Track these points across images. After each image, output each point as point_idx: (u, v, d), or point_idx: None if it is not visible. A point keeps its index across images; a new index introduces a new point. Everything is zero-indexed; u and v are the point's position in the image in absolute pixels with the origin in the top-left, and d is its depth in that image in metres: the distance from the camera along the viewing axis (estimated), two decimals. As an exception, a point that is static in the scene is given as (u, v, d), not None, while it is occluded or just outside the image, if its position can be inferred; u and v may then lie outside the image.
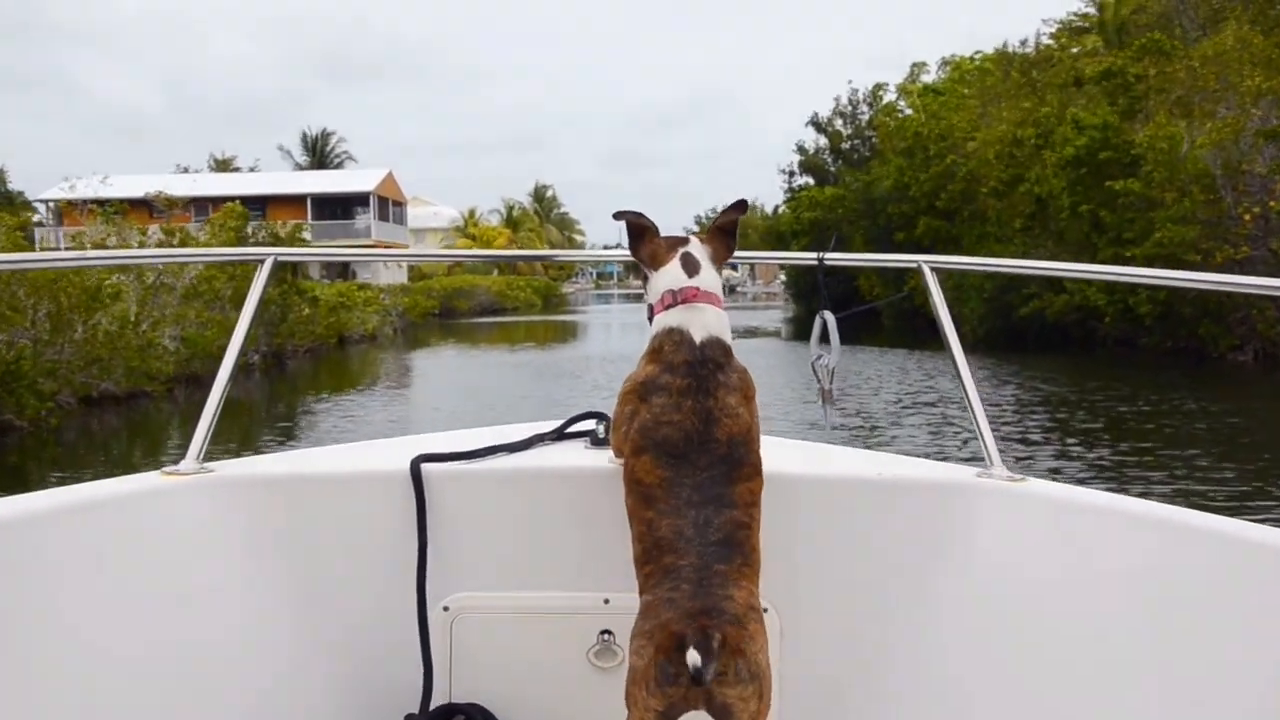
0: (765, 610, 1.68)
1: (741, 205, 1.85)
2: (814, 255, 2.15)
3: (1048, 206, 23.46)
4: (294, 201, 53.34)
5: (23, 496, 1.72)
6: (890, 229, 35.16)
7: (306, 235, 47.79)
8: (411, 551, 1.91)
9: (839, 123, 49.70)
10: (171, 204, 24.96)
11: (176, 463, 1.96)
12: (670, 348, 1.68)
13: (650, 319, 1.78)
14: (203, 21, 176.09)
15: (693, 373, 1.64)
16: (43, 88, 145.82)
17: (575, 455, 2.06)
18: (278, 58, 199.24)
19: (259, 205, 46.43)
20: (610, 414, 1.88)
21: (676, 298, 1.73)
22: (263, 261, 2.11)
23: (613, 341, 30.07)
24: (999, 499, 1.95)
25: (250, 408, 17.32)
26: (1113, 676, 1.70)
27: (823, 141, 50.02)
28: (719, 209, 1.92)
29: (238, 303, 20.73)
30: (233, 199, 46.04)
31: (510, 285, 55.84)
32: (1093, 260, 21.31)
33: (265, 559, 1.93)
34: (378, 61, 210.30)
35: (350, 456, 2.17)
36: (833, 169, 48.64)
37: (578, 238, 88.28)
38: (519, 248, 65.36)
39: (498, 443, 2.06)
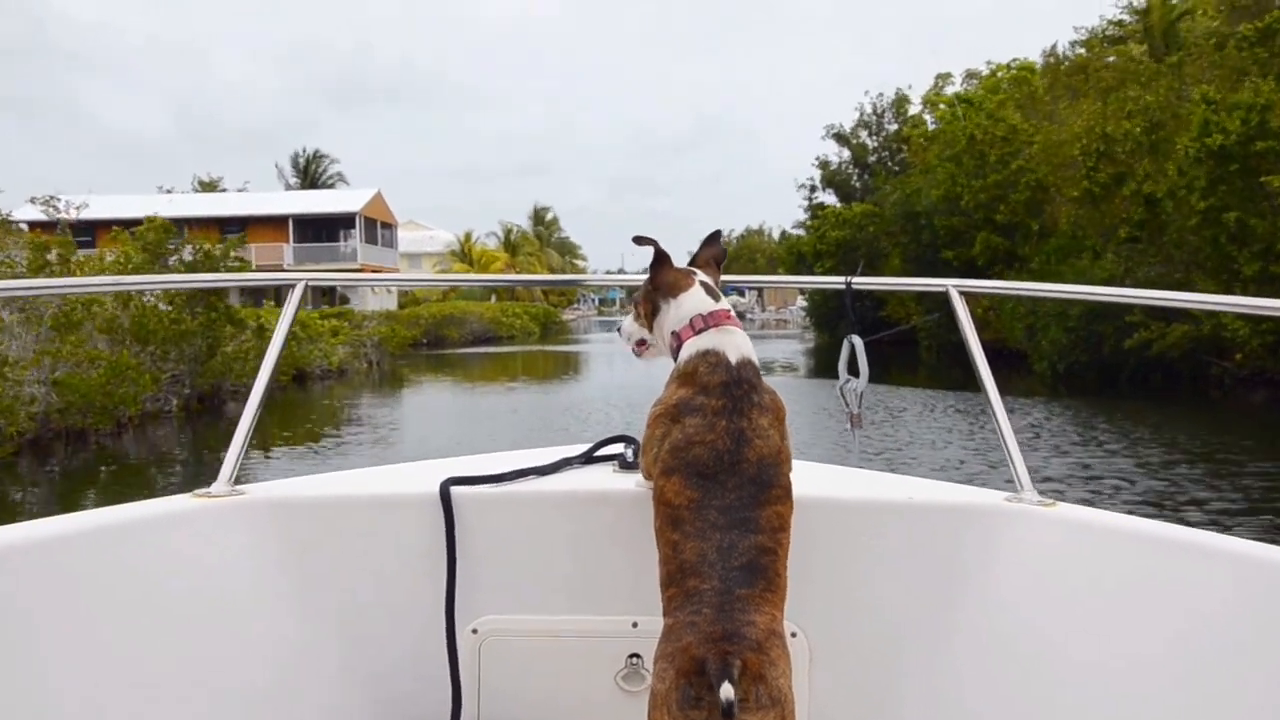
0: (794, 634, 1.87)
1: (717, 235, 1.96)
2: (841, 279, 2.22)
3: (1160, 213, 18.82)
4: (275, 223, 50.02)
5: (56, 518, 1.74)
6: (936, 246, 30.70)
7: (284, 255, 44.99)
8: (440, 574, 1.93)
9: (863, 134, 45.82)
10: (58, 219, 20.45)
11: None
12: (706, 370, 1.70)
13: (637, 346, 1.94)
14: (209, 49, 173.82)
15: (728, 393, 1.66)
16: (52, 112, 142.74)
17: (603, 479, 2.08)
18: (284, 84, 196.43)
19: (238, 227, 42.83)
20: (638, 437, 1.90)
21: (707, 322, 1.76)
22: (293, 286, 2.17)
23: (616, 375, 25.63)
24: (1029, 523, 1.95)
25: (139, 469, 13.03)
26: (1144, 702, 1.68)
27: (845, 154, 46.08)
28: (727, 234, 2.00)
29: (139, 336, 16.47)
30: (210, 220, 43.00)
31: (505, 312, 51.29)
32: (1229, 281, 16.87)
33: (295, 580, 1.95)
34: (384, 88, 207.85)
35: (380, 479, 2.19)
36: (858, 184, 44.60)
37: (579, 263, 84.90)
38: (519, 273, 61.39)
39: (526, 466, 2.09)
